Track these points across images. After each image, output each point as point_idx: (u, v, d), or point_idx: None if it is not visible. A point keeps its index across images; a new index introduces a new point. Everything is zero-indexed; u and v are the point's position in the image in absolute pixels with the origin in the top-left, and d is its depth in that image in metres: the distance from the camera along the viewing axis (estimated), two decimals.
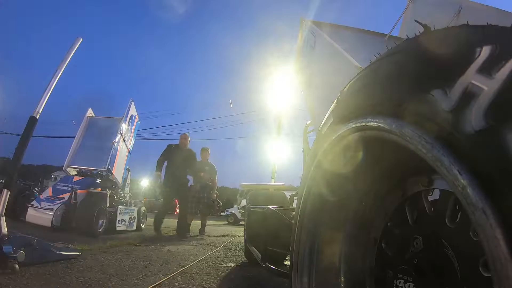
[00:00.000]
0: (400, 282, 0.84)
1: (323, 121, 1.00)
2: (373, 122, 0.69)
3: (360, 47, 2.44)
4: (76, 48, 3.56)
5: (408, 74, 0.62)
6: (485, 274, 0.59)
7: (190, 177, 7.22)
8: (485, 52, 0.46)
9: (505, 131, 0.39)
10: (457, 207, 0.71)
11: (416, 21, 0.73)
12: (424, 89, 0.54)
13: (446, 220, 0.72)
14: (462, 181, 0.43)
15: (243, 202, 17.46)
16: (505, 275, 0.37)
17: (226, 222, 16.24)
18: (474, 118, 0.44)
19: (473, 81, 0.45)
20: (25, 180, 7.71)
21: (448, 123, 0.48)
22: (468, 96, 0.45)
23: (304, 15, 3.07)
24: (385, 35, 2.90)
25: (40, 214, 5.26)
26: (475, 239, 0.63)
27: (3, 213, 2.66)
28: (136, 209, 7.34)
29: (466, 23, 0.56)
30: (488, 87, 0.43)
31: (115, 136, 7.09)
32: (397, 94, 0.64)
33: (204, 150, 7.63)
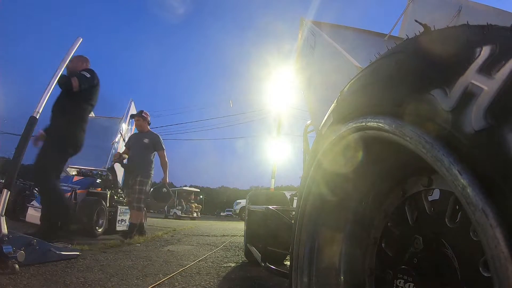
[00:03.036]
0: (400, 282, 0.84)
1: (323, 121, 1.00)
2: (373, 122, 0.69)
3: (360, 47, 2.44)
4: (76, 48, 3.56)
5: (408, 74, 0.62)
6: (485, 274, 0.59)
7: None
8: (485, 52, 0.46)
9: (505, 131, 0.39)
10: (457, 207, 0.71)
11: (416, 21, 0.73)
12: (424, 89, 0.54)
13: (446, 220, 0.72)
14: (462, 181, 0.43)
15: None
16: (505, 275, 0.37)
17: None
18: (474, 118, 0.44)
19: (473, 81, 0.45)
20: (25, 180, 7.69)
21: (448, 123, 0.48)
22: (468, 96, 0.45)
23: (304, 15, 3.07)
24: (385, 35, 2.90)
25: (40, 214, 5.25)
26: (475, 239, 0.63)
27: (3, 213, 2.66)
28: None
29: (466, 23, 0.56)
30: (488, 87, 0.43)
31: (115, 136, 7.09)
32: (397, 94, 0.64)
33: (139, 116, 5.55)
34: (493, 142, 0.40)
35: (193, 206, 19.01)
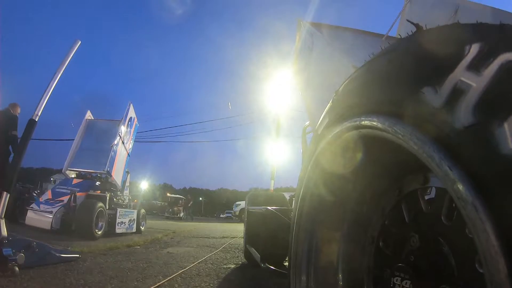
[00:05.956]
0: (397, 279, 0.85)
1: (320, 121, 1.01)
2: (366, 120, 0.70)
3: (358, 47, 2.45)
4: (74, 50, 3.57)
5: (400, 73, 0.63)
6: (481, 271, 0.60)
7: None
8: (474, 49, 0.47)
9: (494, 126, 0.40)
10: (453, 205, 0.71)
11: (408, 20, 0.74)
12: (415, 87, 0.55)
13: (442, 218, 0.73)
14: (452, 176, 0.44)
15: None
16: (496, 268, 0.38)
17: None
18: (463, 115, 0.44)
19: (462, 78, 0.46)
20: (25, 183, 7.69)
21: (438, 120, 0.49)
22: (457, 93, 0.46)
23: (302, 16, 3.07)
24: (382, 35, 2.90)
25: (40, 216, 5.26)
26: (470, 236, 0.63)
27: (3, 216, 2.66)
28: (135, 211, 7.34)
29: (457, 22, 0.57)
30: (476, 84, 0.44)
31: (114, 138, 7.09)
32: (390, 92, 0.64)
33: None
34: (482, 138, 0.41)
35: (175, 209, 25.27)
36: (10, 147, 5.35)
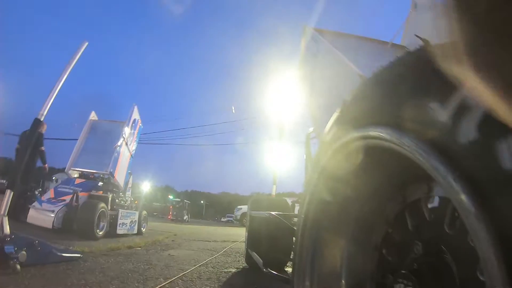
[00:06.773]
0: (400, 286, 0.86)
1: (327, 129, 1.03)
2: (374, 132, 0.72)
3: (362, 54, 2.47)
4: (81, 51, 3.61)
5: (408, 87, 0.65)
6: (482, 279, 0.61)
7: None
8: None
9: (497, 141, 0.42)
10: (456, 214, 0.73)
11: (416, 35, 0.76)
12: (422, 101, 0.57)
13: (445, 226, 0.74)
14: (456, 187, 0.46)
15: None
16: (496, 277, 0.40)
17: None
18: (468, 129, 0.46)
19: (468, 94, 0.48)
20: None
21: (444, 134, 0.51)
22: (463, 108, 0.48)
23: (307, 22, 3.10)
24: (387, 43, 2.92)
25: (42, 215, 5.28)
26: (472, 244, 0.64)
27: (6, 213, 2.68)
28: (137, 212, 7.35)
29: None
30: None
31: (118, 139, 7.13)
32: (397, 105, 0.66)
33: None
34: (485, 152, 0.43)
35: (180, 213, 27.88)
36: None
